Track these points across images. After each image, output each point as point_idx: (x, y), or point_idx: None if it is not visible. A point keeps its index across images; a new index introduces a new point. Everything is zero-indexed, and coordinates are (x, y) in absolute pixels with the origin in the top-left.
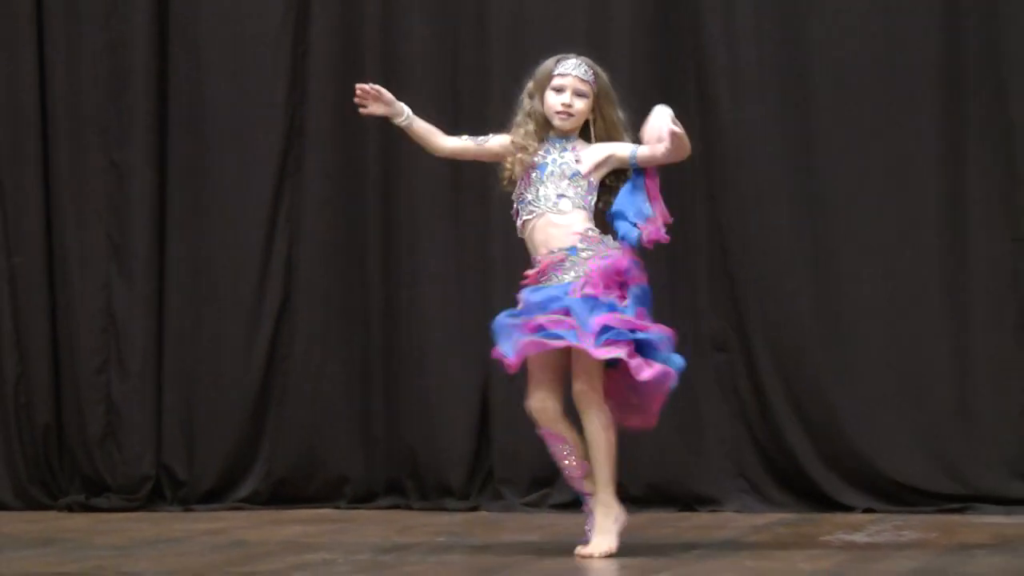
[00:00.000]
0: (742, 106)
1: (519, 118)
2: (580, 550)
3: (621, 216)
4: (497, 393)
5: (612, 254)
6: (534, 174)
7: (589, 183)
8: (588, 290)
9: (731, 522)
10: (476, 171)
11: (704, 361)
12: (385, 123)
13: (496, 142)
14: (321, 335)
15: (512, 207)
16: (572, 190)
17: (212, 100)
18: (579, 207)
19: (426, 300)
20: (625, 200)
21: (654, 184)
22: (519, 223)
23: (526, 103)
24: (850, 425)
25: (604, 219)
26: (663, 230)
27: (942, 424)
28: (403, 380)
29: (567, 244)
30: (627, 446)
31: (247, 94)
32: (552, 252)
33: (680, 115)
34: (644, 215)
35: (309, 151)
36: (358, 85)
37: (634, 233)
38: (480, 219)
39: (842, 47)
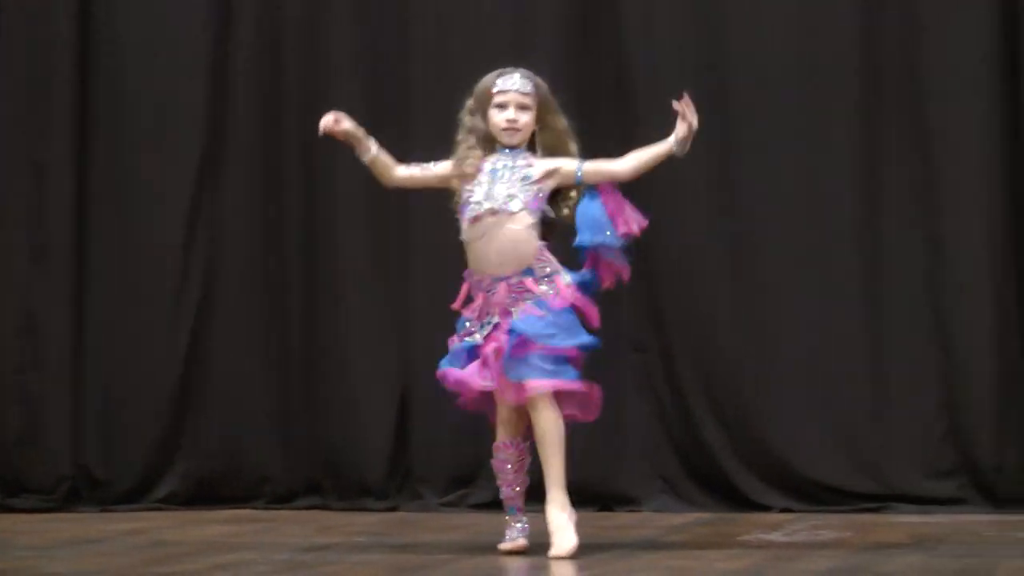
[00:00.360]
0: (662, 109)
1: (460, 136)
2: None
3: (583, 242)
4: (416, 393)
5: (564, 294)
6: (484, 176)
7: (539, 191)
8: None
9: (650, 522)
10: None
11: (623, 362)
12: (304, 124)
13: (441, 167)
14: (241, 336)
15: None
16: (522, 192)
17: (133, 101)
18: (528, 210)
19: (346, 300)
20: (583, 220)
21: (610, 199)
22: (464, 223)
23: (467, 121)
24: (767, 425)
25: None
26: (622, 272)
27: (858, 424)
28: (322, 381)
29: (524, 264)
30: None
31: (168, 96)
32: (506, 272)
33: (600, 118)
34: (603, 230)
35: (230, 152)
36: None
37: (587, 278)
38: (399, 219)
39: (762, 53)
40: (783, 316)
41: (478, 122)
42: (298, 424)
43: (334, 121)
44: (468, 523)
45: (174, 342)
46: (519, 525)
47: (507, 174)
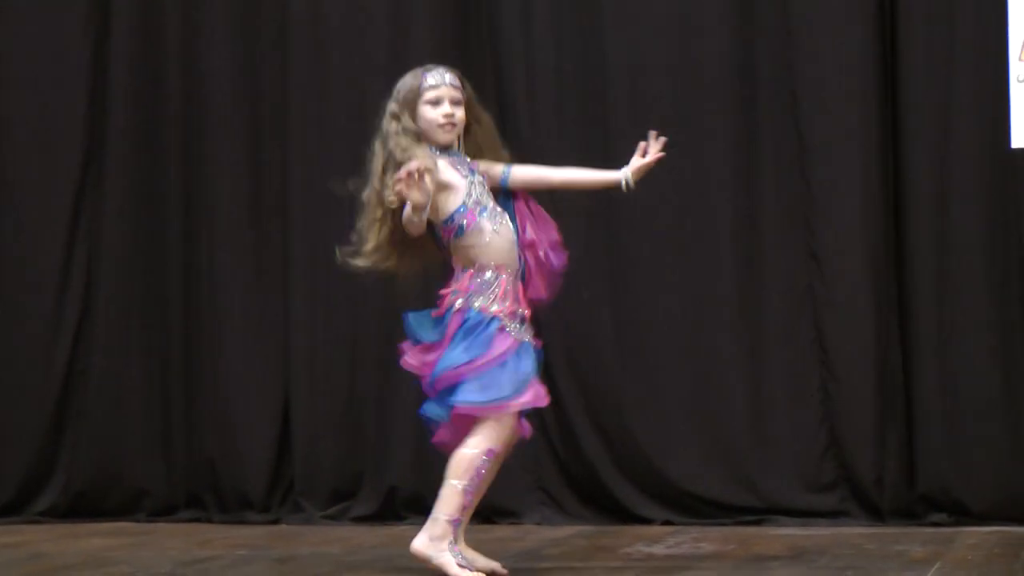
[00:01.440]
0: (541, 123)
1: (397, 141)
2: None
3: None
4: (298, 405)
5: None
6: (479, 181)
7: None
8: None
9: (530, 534)
10: (276, 184)
11: None
12: (184, 137)
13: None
14: (120, 348)
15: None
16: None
17: (11, 112)
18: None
19: (226, 313)
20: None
21: (525, 205)
22: (485, 221)
23: (392, 126)
24: (648, 439)
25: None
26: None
27: (738, 438)
28: (203, 393)
29: (518, 263)
30: (427, 459)
31: (47, 107)
32: (509, 270)
33: None
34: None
35: (109, 164)
36: (403, 171)
37: None
38: (280, 233)
39: (638, 67)
40: (663, 330)
41: (408, 123)
42: (179, 437)
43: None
44: (349, 536)
45: (54, 355)
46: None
47: (475, 179)
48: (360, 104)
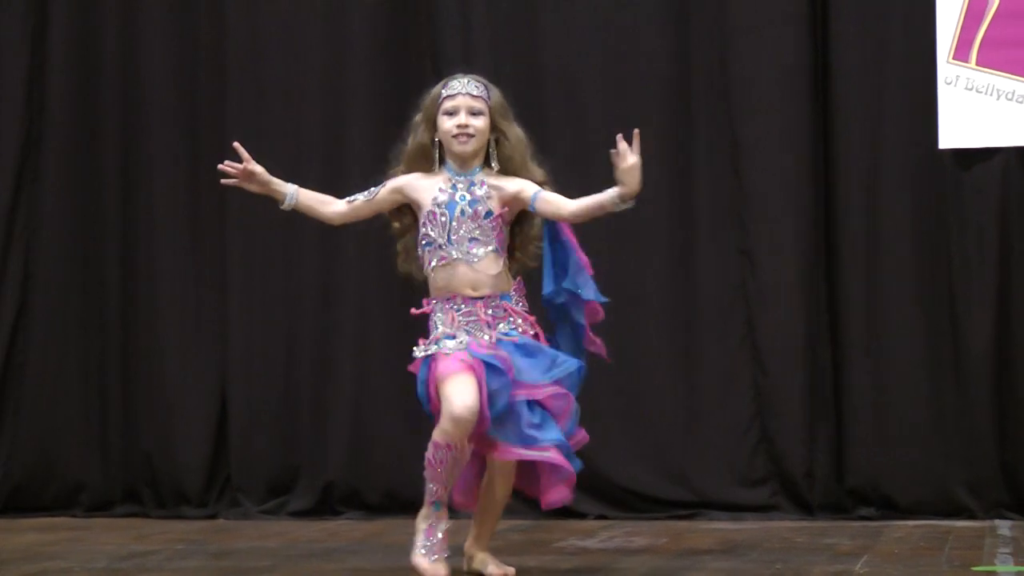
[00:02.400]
0: None
1: (406, 161)
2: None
3: (559, 296)
4: (235, 400)
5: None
6: (440, 213)
7: (503, 219)
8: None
9: (465, 528)
10: (214, 181)
11: None
12: (122, 130)
13: (387, 191)
14: (58, 342)
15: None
16: (483, 231)
17: None
18: (491, 249)
19: (164, 307)
20: (551, 267)
21: (571, 233)
22: (429, 262)
23: (410, 141)
24: None
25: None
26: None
27: (671, 433)
28: (140, 388)
29: (499, 289)
30: (363, 454)
31: None
32: (483, 294)
33: None
34: (580, 284)
35: (47, 160)
36: (225, 165)
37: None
38: (218, 226)
39: (575, 66)
40: (597, 326)
41: (422, 137)
42: (116, 431)
43: (243, 169)
44: (286, 530)
45: None
46: (443, 526)
47: (468, 210)
48: (298, 102)
